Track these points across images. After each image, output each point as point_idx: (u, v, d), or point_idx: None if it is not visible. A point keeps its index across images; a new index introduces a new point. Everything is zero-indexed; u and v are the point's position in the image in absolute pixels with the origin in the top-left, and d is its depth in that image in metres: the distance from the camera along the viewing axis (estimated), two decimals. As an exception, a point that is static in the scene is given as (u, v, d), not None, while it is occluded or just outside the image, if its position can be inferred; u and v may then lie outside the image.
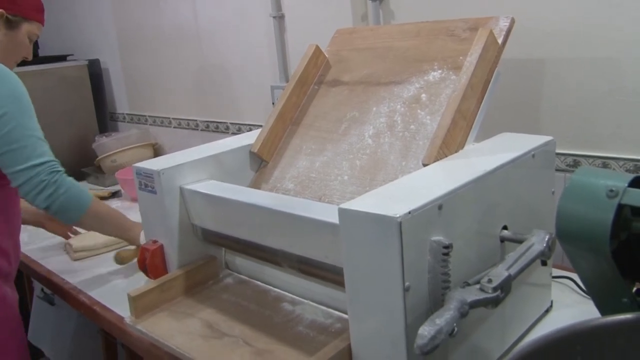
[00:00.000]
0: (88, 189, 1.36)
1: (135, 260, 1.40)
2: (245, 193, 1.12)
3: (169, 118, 2.49)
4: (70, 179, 1.31)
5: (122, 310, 1.20)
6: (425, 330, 0.68)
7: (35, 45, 2.67)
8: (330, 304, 1.07)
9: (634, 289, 0.87)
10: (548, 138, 1.03)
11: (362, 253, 0.78)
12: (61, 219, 1.33)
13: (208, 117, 2.29)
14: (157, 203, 1.17)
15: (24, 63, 1.47)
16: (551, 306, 1.11)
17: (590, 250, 0.81)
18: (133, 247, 1.45)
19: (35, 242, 1.72)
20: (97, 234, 1.59)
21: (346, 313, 0.86)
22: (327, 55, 1.36)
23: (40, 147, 1.27)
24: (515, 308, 0.98)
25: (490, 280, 0.75)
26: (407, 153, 1.08)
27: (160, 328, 1.09)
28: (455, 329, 0.70)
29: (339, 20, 1.63)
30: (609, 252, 0.79)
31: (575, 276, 1.14)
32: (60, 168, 1.29)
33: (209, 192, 1.13)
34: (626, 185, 0.79)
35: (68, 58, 2.76)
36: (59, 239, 1.69)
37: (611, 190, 0.78)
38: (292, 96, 1.31)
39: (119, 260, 1.43)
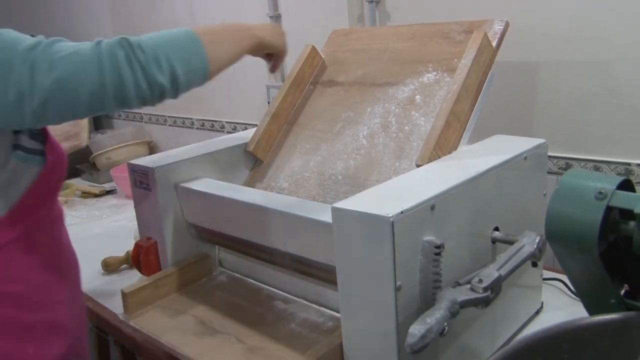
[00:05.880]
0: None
1: (122, 267, 1.42)
2: (240, 191, 1.13)
3: (164, 116, 2.49)
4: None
5: (115, 306, 1.21)
6: (416, 329, 0.69)
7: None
8: (322, 303, 1.08)
9: (622, 291, 0.88)
10: (540, 141, 1.04)
11: (354, 252, 0.79)
12: (194, 85, 0.83)
13: (203, 115, 2.29)
14: (151, 200, 1.17)
15: None
16: (541, 307, 1.12)
17: (579, 251, 0.81)
18: (120, 255, 1.44)
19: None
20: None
21: (338, 312, 0.87)
22: (322, 56, 1.36)
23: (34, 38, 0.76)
24: (506, 309, 0.99)
25: (480, 281, 0.75)
26: (401, 154, 1.09)
27: (153, 325, 1.10)
28: (446, 328, 0.71)
29: (335, 20, 1.64)
30: (597, 254, 0.80)
31: (565, 278, 1.15)
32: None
33: (203, 190, 1.14)
34: (615, 187, 0.80)
35: (64, 54, 2.75)
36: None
37: (600, 193, 0.79)
38: (287, 96, 1.32)
39: (105, 266, 1.42)
